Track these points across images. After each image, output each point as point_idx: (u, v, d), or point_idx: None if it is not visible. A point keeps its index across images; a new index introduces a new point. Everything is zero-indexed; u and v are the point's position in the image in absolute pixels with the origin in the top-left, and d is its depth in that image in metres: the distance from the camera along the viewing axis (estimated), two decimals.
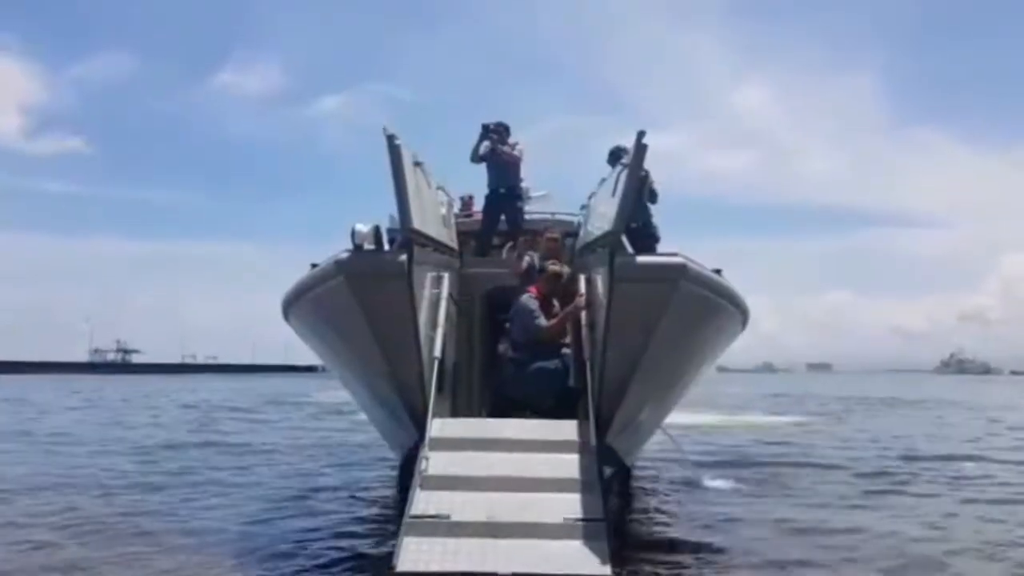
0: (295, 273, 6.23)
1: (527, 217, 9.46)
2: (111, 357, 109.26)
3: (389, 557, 4.64)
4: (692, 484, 9.45)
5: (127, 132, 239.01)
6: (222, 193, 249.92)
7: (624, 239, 5.37)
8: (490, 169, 9.13)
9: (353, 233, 5.09)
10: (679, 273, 5.21)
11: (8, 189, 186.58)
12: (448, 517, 4.79)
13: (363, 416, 9.24)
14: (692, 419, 18.95)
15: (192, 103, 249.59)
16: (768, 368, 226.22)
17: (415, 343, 5.41)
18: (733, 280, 6.49)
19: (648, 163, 6.03)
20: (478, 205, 10.22)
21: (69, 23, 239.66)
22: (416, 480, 5.08)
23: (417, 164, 6.02)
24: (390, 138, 5.28)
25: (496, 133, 9.05)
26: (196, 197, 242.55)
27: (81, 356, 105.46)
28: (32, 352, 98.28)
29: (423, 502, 4.91)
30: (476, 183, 9.68)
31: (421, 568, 4.43)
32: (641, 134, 5.21)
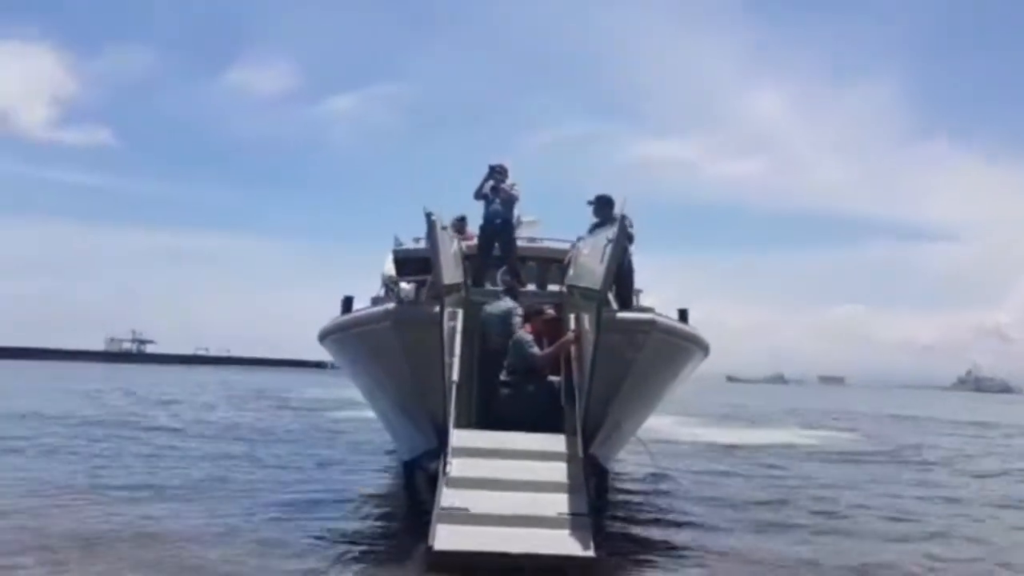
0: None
1: (518, 244, 10.36)
2: (126, 346, 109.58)
3: (425, 539, 5.81)
4: (658, 479, 10.77)
5: (144, 126, 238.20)
6: (236, 189, 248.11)
7: (610, 296, 6.61)
8: (489, 203, 9.96)
9: (399, 291, 6.34)
10: (650, 326, 6.47)
11: (32, 179, 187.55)
12: (468, 510, 6.01)
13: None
14: (766, 437, 19.53)
15: (207, 100, 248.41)
16: (779, 379, 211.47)
17: (441, 372, 6.61)
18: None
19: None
20: (471, 226, 10.88)
21: (87, 16, 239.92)
22: (442, 480, 6.29)
23: (443, 228, 7.28)
24: (428, 215, 6.53)
25: (500, 173, 10.02)
26: (211, 192, 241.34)
27: (98, 345, 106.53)
28: (50, 339, 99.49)
29: (450, 497, 6.11)
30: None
31: (452, 548, 5.64)
32: (623, 218, 6.46)
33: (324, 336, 8.56)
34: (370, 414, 11.79)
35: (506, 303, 8.30)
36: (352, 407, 21.79)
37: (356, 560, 6.21)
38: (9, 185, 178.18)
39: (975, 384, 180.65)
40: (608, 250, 6.41)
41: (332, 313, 8.36)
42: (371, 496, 9.58)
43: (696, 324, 8.58)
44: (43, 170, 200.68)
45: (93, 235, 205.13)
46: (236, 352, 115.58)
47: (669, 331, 6.90)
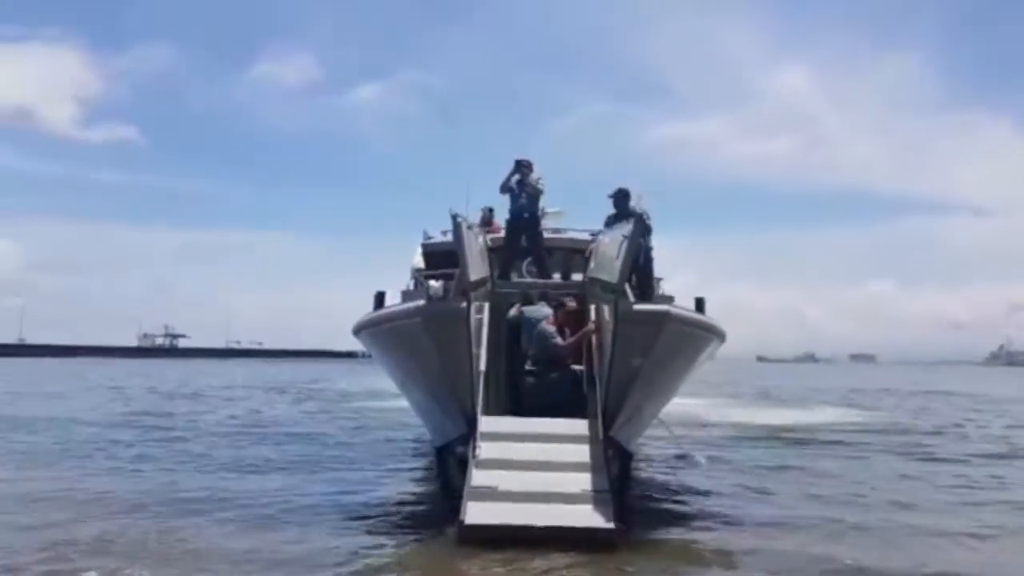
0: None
1: (544, 235, 10.80)
2: (159, 342, 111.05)
3: (456, 514, 6.35)
4: (681, 460, 11.21)
5: (170, 123, 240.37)
6: (264, 183, 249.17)
7: (627, 288, 7.05)
8: (515, 198, 10.35)
9: (428, 288, 6.84)
10: (664, 318, 6.89)
11: (61, 178, 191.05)
12: (497, 488, 6.52)
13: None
14: (801, 417, 19.60)
15: (231, 94, 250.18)
16: (810, 358, 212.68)
17: (469, 364, 7.07)
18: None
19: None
20: (497, 217, 11.46)
21: (108, 15, 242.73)
22: (471, 462, 6.79)
23: (469, 227, 7.77)
24: (454, 217, 7.02)
25: (526, 167, 10.39)
26: (238, 187, 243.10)
27: (131, 341, 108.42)
28: (84, 336, 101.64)
29: (479, 477, 6.62)
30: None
31: (481, 522, 6.16)
32: (640, 214, 6.92)
33: (358, 330, 9.13)
34: (400, 404, 12.36)
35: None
36: (379, 398, 22.49)
37: (394, 536, 6.76)
38: (39, 185, 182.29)
39: (1007, 359, 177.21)
40: (624, 246, 6.86)
41: (365, 306, 8.88)
42: (406, 480, 10.16)
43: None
44: (71, 169, 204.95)
45: (123, 233, 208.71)
46: (267, 344, 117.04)
47: (684, 321, 7.33)
